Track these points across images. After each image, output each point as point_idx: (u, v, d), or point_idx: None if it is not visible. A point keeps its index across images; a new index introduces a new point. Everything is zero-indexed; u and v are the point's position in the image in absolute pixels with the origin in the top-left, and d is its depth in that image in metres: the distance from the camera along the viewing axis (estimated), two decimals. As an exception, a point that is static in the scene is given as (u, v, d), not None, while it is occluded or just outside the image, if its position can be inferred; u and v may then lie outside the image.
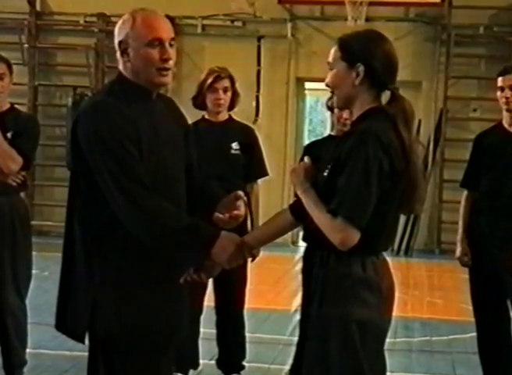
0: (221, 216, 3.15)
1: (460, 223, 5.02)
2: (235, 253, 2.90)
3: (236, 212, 3.15)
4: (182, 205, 3.05)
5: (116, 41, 2.99)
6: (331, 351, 2.88)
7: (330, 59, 3.04)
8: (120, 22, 3.00)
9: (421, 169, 3.03)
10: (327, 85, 3.06)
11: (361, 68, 2.93)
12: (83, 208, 2.96)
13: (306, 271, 3.11)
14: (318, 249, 2.96)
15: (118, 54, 3.01)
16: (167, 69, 2.96)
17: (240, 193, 3.17)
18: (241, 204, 3.16)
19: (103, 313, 2.91)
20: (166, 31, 2.97)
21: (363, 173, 2.80)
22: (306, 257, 3.13)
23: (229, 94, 5.10)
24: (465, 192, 5.05)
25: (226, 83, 5.07)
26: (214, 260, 2.90)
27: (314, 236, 2.92)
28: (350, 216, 2.79)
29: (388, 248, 3.03)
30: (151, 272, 2.94)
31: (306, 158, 3.08)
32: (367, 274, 2.90)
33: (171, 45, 2.98)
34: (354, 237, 2.81)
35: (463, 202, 5.03)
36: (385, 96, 3.04)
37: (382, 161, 2.82)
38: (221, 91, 5.04)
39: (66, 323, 3.01)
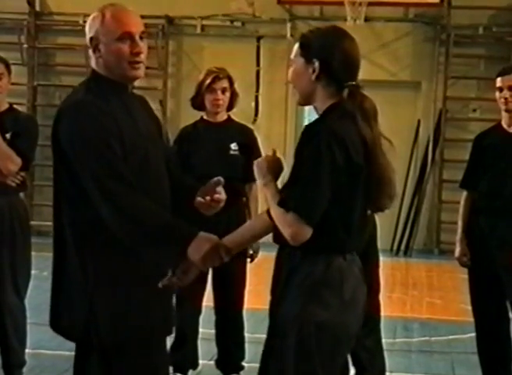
0: (202, 200, 3.17)
1: (460, 223, 5.02)
2: (210, 253, 2.84)
3: (217, 195, 3.15)
4: (167, 199, 3.08)
5: (87, 38, 3.03)
6: (287, 350, 2.87)
7: (292, 56, 3.04)
8: (90, 18, 3.05)
9: (389, 164, 2.98)
10: (289, 82, 3.07)
11: (317, 64, 2.93)
12: (69, 208, 2.97)
13: (275, 269, 3.09)
14: (286, 247, 2.94)
15: (90, 51, 3.05)
16: (138, 63, 3.01)
17: (220, 178, 3.15)
18: (221, 189, 3.15)
19: (100, 313, 2.91)
20: (136, 25, 3.01)
21: (314, 167, 2.80)
22: (277, 255, 3.11)
23: (228, 94, 5.10)
24: (464, 192, 5.05)
25: (225, 83, 5.07)
26: (190, 261, 2.85)
27: (279, 232, 2.89)
28: (299, 211, 2.78)
29: (358, 249, 2.99)
30: (143, 269, 2.95)
31: (271, 151, 3.07)
32: (329, 274, 2.87)
33: (141, 38, 3.01)
34: (304, 232, 2.79)
35: (462, 202, 5.03)
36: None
37: (335, 154, 2.80)
38: (219, 92, 5.03)
39: (61, 322, 3.02)
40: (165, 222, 2.88)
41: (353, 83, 2.95)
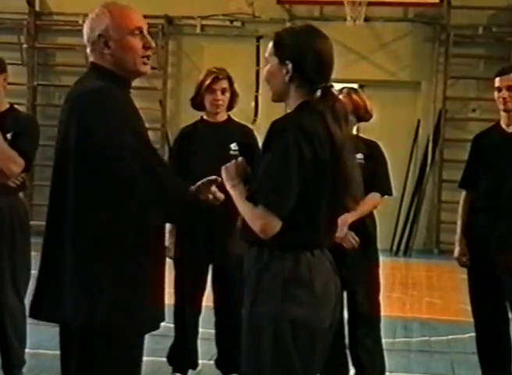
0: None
1: (459, 223, 5.02)
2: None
3: (210, 196, 3.14)
4: None
5: (91, 35, 3.03)
6: (263, 350, 2.90)
7: (266, 54, 3.07)
8: (93, 16, 3.05)
9: (356, 166, 3.04)
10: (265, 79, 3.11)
11: (290, 65, 2.95)
12: (78, 210, 2.97)
13: (246, 270, 3.12)
14: (253, 245, 2.97)
15: (89, 49, 3.05)
16: (149, 57, 3.06)
17: (215, 177, 3.16)
18: (215, 189, 3.15)
19: (100, 302, 2.93)
20: (143, 21, 3.07)
21: (282, 160, 2.82)
22: (246, 256, 3.13)
23: (228, 94, 5.10)
24: (463, 192, 5.05)
25: (224, 84, 5.07)
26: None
27: (247, 231, 2.92)
28: (268, 203, 2.81)
29: (326, 245, 3.01)
30: (147, 269, 3.00)
31: (239, 158, 3.11)
32: (299, 271, 2.89)
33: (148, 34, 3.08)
34: (274, 224, 2.82)
35: (461, 202, 5.03)
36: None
37: (302, 148, 2.83)
38: (219, 92, 5.03)
39: (57, 310, 3.01)
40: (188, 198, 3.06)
41: (326, 84, 2.98)
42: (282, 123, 2.91)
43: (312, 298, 2.90)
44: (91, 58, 3.08)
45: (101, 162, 2.90)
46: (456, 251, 4.97)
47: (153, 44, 3.05)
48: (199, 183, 3.12)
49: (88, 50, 3.08)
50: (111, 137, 2.89)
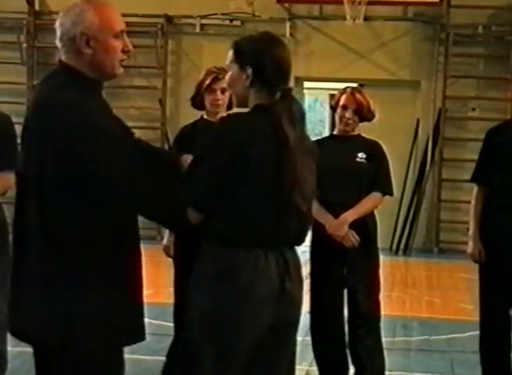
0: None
1: (473, 218, 4.95)
2: None
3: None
4: None
5: (73, 31, 2.84)
6: (189, 342, 3.04)
7: (227, 61, 3.19)
8: (76, 10, 2.86)
9: (309, 166, 3.11)
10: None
11: (250, 71, 3.09)
12: (47, 213, 2.80)
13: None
14: (201, 238, 3.09)
15: (61, 44, 2.88)
16: (123, 60, 3.01)
17: (186, 156, 3.23)
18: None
19: (77, 316, 2.79)
20: (123, 21, 2.96)
21: (205, 160, 3.00)
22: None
23: (227, 94, 5.09)
24: (476, 188, 5.00)
25: (224, 83, 5.05)
26: None
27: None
28: (191, 200, 2.99)
29: (275, 245, 3.04)
30: (121, 271, 2.88)
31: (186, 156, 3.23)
32: (227, 267, 2.99)
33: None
34: (191, 214, 2.97)
35: (474, 198, 4.97)
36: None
37: (223, 147, 2.97)
38: (219, 92, 5.03)
39: (30, 326, 2.85)
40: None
41: (285, 86, 3.12)
42: (218, 122, 3.10)
43: (235, 293, 2.98)
44: (63, 57, 2.88)
45: (81, 176, 2.76)
46: (471, 246, 4.91)
47: (131, 48, 2.96)
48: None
49: (60, 46, 2.90)
50: (93, 156, 2.76)
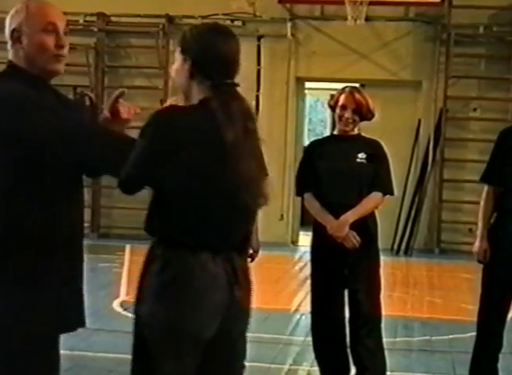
0: (106, 114, 3.14)
1: (481, 218, 4.90)
2: None
3: (119, 109, 3.14)
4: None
5: (8, 30, 2.97)
6: (134, 349, 2.92)
7: (176, 53, 3.10)
8: (13, 11, 2.99)
9: (259, 164, 3.00)
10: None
11: (189, 63, 2.99)
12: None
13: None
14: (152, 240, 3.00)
15: (9, 44, 2.98)
16: (61, 56, 3.00)
17: (122, 90, 3.21)
18: (122, 103, 3.16)
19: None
20: (60, 19, 3.00)
21: (137, 147, 2.86)
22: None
23: None
24: (486, 187, 4.97)
25: None
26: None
27: (147, 221, 2.97)
28: (121, 180, 2.89)
29: (214, 246, 2.91)
30: (30, 266, 2.90)
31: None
32: (176, 273, 2.85)
33: (65, 34, 3.02)
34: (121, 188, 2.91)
35: (484, 198, 4.90)
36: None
37: (155, 138, 2.86)
38: None
39: None
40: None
41: (227, 81, 3.01)
42: (153, 114, 2.95)
43: (185, 299, 2.84)
44: (10, 56, 3.01)
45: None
46: (477, 246, 4.88)
47: (64, 43, 2.99)
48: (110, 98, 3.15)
49: (9, 47, 3.00)
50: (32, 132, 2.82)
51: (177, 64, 3.04)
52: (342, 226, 4.77)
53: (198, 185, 2.86)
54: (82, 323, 3.08)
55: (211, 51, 2.99)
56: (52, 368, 3.04)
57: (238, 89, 3.03)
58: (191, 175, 2.86)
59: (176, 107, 3.00)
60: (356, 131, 4.99)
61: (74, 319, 3.05)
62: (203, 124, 2.89)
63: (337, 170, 4.84)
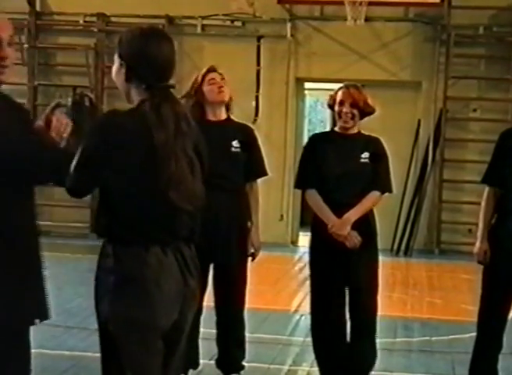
0: (41, 123, 3.20)
1: (482, 219, 4.90)
2: None
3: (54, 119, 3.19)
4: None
5: None
6: (102, 347, 3.06)
7: (114, 56, 3.16)
8: None
9: (185, 166, 3.05)
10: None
11: (125, 66, 3.07)
12: None
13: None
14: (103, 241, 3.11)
15: None
16: (3, 67, 3.12)
17: (57, 101, 3.32)
18: (57, 115, 3.22)
19: None
20: (4, 30, 3.11)
21: (80, 150, 2.97)
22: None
23: (227, 88, 5.12)
24: (487, 188, 4.96)
25: (219, 75, 5.15)
26: None
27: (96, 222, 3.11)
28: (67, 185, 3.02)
29: (170, 241, 3.04)
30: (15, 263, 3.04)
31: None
32: (131, 268, 2.96)
33: (9, 45, 3.15)
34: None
35: (485, 199, 4.91)
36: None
37: (94, 140, 2.97)
38: (218, 79, 5.08)
39: None
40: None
41: (162, 84, 3.07)
42: (99, 116, 3.09)
43: (141, 294, 2.96)
44: None
45: None
46: (478, 246, 4.88)
47: (7, 54, 3.09)
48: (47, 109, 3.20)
49: None
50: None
51: (115, 67, 3.12)
52: (344, 225, 4.78)
53: (133, 185, 2.97)
54: (44, 317, 3.16)
55: (143, 56, 3.04)
56: (19, 359, 3.14)
57: (173, 91, 3.09)
58: (127, 175, 2.96)
59: (116, 111, 3.10)
60: (356, 129, 5.00)
61: (32, 313, 3.11)
62: (137, 126, 2.98)
63: (342, 171, 4.87)
